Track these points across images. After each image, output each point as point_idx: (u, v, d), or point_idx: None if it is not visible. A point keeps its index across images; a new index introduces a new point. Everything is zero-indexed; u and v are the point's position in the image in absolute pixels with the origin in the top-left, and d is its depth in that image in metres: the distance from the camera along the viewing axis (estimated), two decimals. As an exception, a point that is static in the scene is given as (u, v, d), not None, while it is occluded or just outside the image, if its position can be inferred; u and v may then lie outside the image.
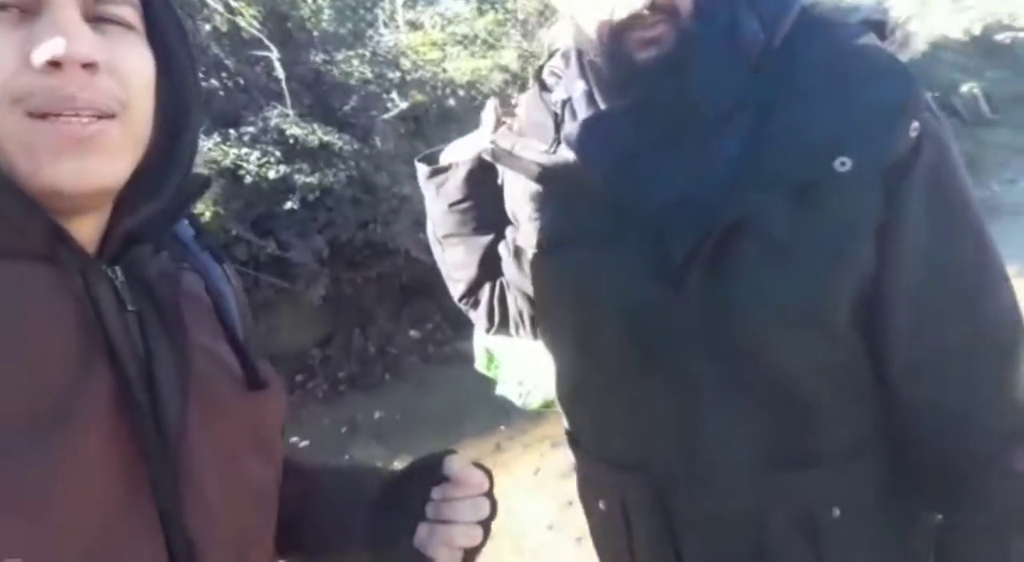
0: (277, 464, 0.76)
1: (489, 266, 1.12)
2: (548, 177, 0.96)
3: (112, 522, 0.55)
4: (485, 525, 0.74)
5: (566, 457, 1.35)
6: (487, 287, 1.16)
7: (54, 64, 0.54)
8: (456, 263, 1.16)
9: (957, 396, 0.88)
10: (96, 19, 0.58)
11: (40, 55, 0.54)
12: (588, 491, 1.10)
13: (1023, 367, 0.88)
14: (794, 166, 0.81)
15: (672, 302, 0.86)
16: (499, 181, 1.08)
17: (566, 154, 0.93)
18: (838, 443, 0.91)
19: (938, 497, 0.93)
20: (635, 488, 0.98)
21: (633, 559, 1.02)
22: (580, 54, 0.94)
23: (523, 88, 4.72)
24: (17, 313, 0.54)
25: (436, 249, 1.18)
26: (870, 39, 0.86)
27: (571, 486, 1.19)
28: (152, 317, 0.63)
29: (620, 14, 0.82)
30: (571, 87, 0.95)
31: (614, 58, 0.86)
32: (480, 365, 1.37)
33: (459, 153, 1.11)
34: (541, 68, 1.05)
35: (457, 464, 0.76)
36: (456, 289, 1.18)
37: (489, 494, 0.74)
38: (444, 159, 1.13)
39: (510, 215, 1.07)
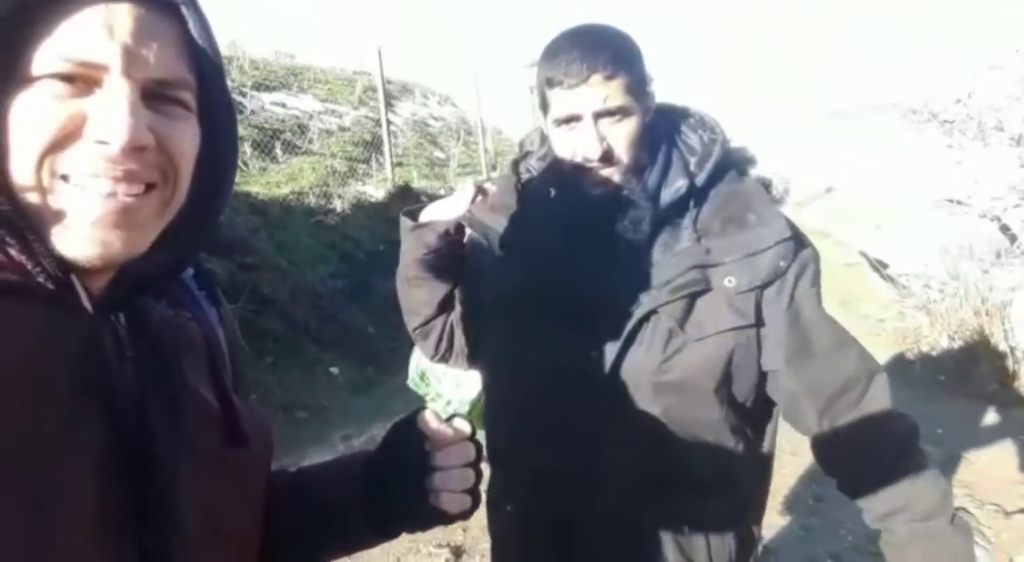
0: (258, 510, 0.78)
1: (445, 306, 1.42)
2: (512, 249, 1.29)
3: (98, 559, 0.56)
4: (475, 465, 0.80)
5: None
6: (440, 321, 1.45)
7: (103, 142, 0.56)
8: (420, 301, 1.43)
9: (856, 434, 1.22)
10: (154, 96, 0.60)
11: (95, 134, 0.56)
12: (499, 496, 1.38)
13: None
14: (695, 278, 1.16)
15: (594, 360, 1.18)
16: (465, 241, 1.37)
17: (532, 235, 1.26)
18: (701, 477, 1.22)
19: (868, 495, 1.23)
20: (543, 491, 1.27)
21: (532, 552, 1.32)
22: (554, 169, 1.25)
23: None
24: (18, 351, 0.54)
25: (403, 287, 1.45)
26: (760, 191, 1.23)
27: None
28: (149, 365, 0.64)
29: (578, 160, 1.17)
30: (545, 190, 1.26)
31: (571, 189, 1.21)
32: (412, 382, 1.70)
33: (438, 213, 1.35)
34: (517, 162, 1.38)
35: (431, 421, 0.81)
36: (414, 321, 1.47)
37: (471, 438, 0.81)
38: (424, 217, 1.37)
39: (470, 270, 1.38)
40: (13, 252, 0.56)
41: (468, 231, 1.36)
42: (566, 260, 1.21)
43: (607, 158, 1.16)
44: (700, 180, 1.21)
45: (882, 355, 5.51)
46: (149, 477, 0.60)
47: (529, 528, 1.32)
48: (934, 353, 5.25)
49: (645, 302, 1.17)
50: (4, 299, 0.55)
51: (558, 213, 1.24)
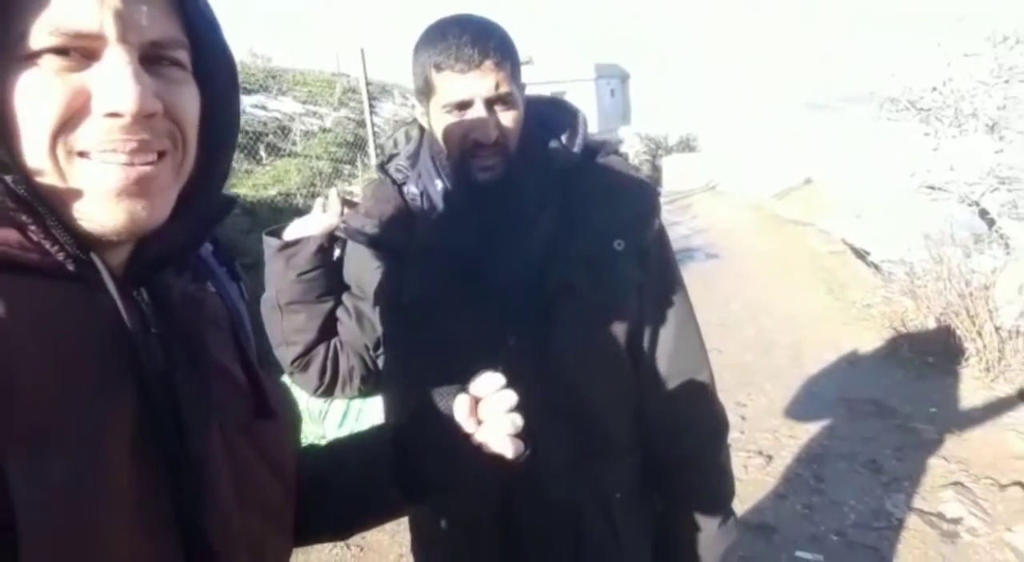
0: (289, 482, 0.79)
1: (326, 330, 1.36)
2: (402, 253, 1.25)
3: (135, 529, 0.57)
4: (517, 411, 0.80)
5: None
6: (322, 348, 1.38)
7: (114, 114, 0.56)
8: (296, 328, 1.35)
9: (683, 407, 1.31)
10: (151, 59, 0.59)
11: (103, 106, 0.55)
12: (428, 518, 1.34)
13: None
14: (590, 246, 1.20)
15: (514, 346, 1.19)
16: (336, 256, 1.34)
17: (425, 234, 1.24)
18: (619, 442, 1.29)
19: (666, 487, 1.35)
20: (480, 490, 1.19)
21: (479, 555, 1.29)
22: (435, 160, 1.25)
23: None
24: (48, 328, 0.55)
25: (274, 316, 1.36)
26: (627, 164, 1.32)
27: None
28: (175, 339, 0.65)
29: (468, 145, 1.17)
30: (429, 184, 1.26)
31: (462, 174, 1.21)
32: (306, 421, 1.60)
33: (307, 230, 1.32)
34: (384, 165, 1.35)
35: (475, 384, 0.82)
36: (291, 353, 1.38)
37: (507, 387, 0.81)
38: (290, 235, 1.33)
39: (352, 284, 1.35)
40: (32, 233, 0.56)
41: (337, 243, 1.35)
42: (469, 249, 1.21)
43: (499, 142, 1.17)
44: (575, 158, 1.26)
45: (871, 338, 5.59)
46: (180, 449, 0.61)
47: (471, 534, 1.28)
48: (922, 335, 5.33)
49: (553, 278, 1.19)
50: (28, 279, 0.56)
51: (451, 204, 1.24)
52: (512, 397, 0.81)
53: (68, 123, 0.55)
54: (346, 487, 0.87)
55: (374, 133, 7.98)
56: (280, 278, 1.32)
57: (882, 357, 5.32)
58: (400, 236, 1.26)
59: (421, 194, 1.28)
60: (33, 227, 0.56)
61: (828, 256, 9.05)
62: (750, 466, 3.78)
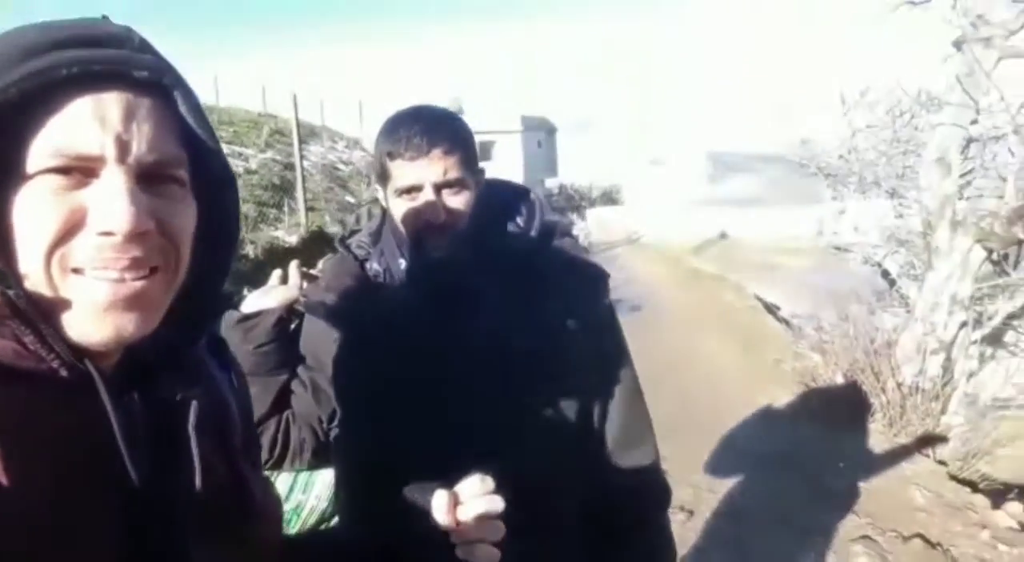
0: None
1: (280, 403, 1.36)
2: (363, 327, 1.28)
3: None
4: (501, 517, 0.79)
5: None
6: (273, 422, 1.37)
7: (107, 233, 0.57)
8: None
9: (634, 476, 1.37)
10: (149, 178, 0.60)
11: (97, 225, 0.57)
12: None
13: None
14: (547, 322, 1.26)
15: (477, 417, 1.20)
16: (291, 328, 1.35)
17: (387, 311, 1.27)
18: (559, 518, 1.30)
19: (612, 546, 1.37)
20: None
21: None
22: (396, 239, 1.30)
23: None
24: (36, 437, 0.56)
25: None
26: (579, 246, 1.41)
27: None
28: (163, 443, 0.65)
29: (419, 225, 1.22)
30: (392, 261, 1.31)
31: (415, 250, 1.26)
32: None
33: (264, 303, 1.33)
34: (344, 240, 1.38)
35: (465, 486, 0.80)
36: None
37: (494, 491, 0.80)
38: (248, 307, 1.33)
39: (309, 357, 1.36)
40: (28, 341, 0.57)
41: (294, 316, 1.37)
42: (430, 325, 1.24)
43: (447, 225, 1.23)
44: (532, 240, 1.34)
45: (784, 395, 5.84)
46: (163, 554, 0.61)
47: None
48: (830, 391, 5.60)
49: (520, 344, 1.23)
50: (23, 387, 0.57)
51: (412, 281, 1.29)
52: (498, 502, 0.79)
53: (63, 239, 0.57)
54: None
55: (303, 176, 7.94)
56: (236, 350, 1.29)
57: (795, 412, 5.55)
58: (361, 311, 1.29)
59: (384, 271, 1.32)
60: (29, 336, 0.57)
61: (742, 311, 9.42)
62: (674, 521, 3.83)
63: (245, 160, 9.88)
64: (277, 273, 1.37)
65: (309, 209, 8.35)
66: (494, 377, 1.23)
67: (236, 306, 1.32)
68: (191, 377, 0.72)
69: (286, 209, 8.39)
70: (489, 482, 0.80)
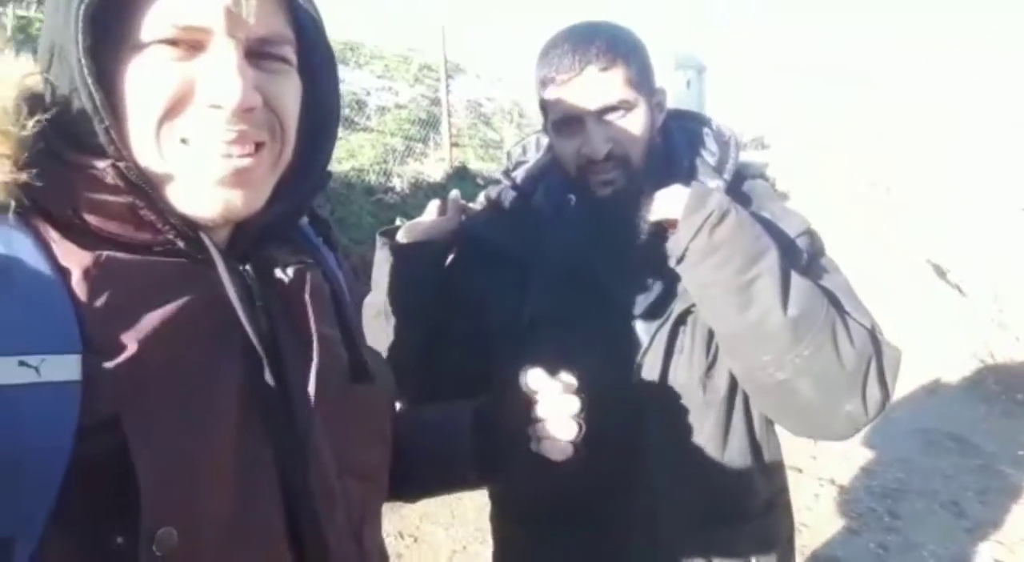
0: (386, 445, 0.82)
1: (431, 342, 1.20)
2: (525, 264, 1.17)
3: (245, 496, 0.61)
4: (577, 418, 0.83)
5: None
6: (420, 365, 1.18)
7: (216, 106, 0.58)
8: (401, 339, 1.20)
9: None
10: (256, 54, 0.62)
11: (206, 98, 0.58)
12: (514, 494, 1.23)
13: None
14: None
15: (637, 376, 1.09)
16: (446, 263, 1.24)
17: (552, 249, 1.15)
18: (757, 503, 1.17)
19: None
20: (583, 536, 1.13)
21: None
22: (564, 173, 1.15)
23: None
24: (159, 301, 0.59)
25: (378, 323, 1.19)
26: (771, 191, 1.21)
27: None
28: (279, 311, 0.68)
29: (581, 161, 1.09)
30: (559, 197, 1.19)
31: (582, 190, 1.13)
32: None
33: (424, 232, 1.21)
34: (509, 172, 1.27)
35: (532, 378, 0.85)
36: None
37: (577, 391, 0.84)
38: (407, 237, 1.21)
39: (465, 294, 1.21)
40: (144, 213, 0.59)
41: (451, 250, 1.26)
42: (594, 269, 1.13)
43: (612, 158, 1.07)
44: (724, 182, 1.14)
45: (954, 367, 5.31)
46: (284, 413, 0.65)
47: (558, 530, 1.16)
48: (1010, 369, 5.04)
49: (678, 305, 1.10)
50: (143, 255, 0.60)
51: (579, 220, 1.15)
52: (575, 404, 0.83)
53: (173, 109, 0.58)
54: (426, 448, 0.91)
55: (449, 113, 7.94)
56: (392, 281, 1.20)
57: (965, 389, 5.04)
58: (525, 247, 1.18)
59: (549, 206, 1.20)
60: (144, 209, 0.59)
61: (907, 272, 8.66)
62: (821, 495, 3.61)
63: (395, 94, 10.01)
64: (435, 203, 1.27)
65: (454, 144, 8.37)
66: (656, 330, 1.10)
67: (393, 235, 1.23)
68: (301, 250, 0.75)
69: (431, 144, 8.45)
70: (573, 381, 0.85)
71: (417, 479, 0.92)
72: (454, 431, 0.90)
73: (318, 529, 0.66)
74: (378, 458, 0.80)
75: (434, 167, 7.84)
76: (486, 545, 3.13)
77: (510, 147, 1.36)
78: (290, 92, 0.65)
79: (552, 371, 0.85)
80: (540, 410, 0.84)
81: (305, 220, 0.81)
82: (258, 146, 0.62)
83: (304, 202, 0.74)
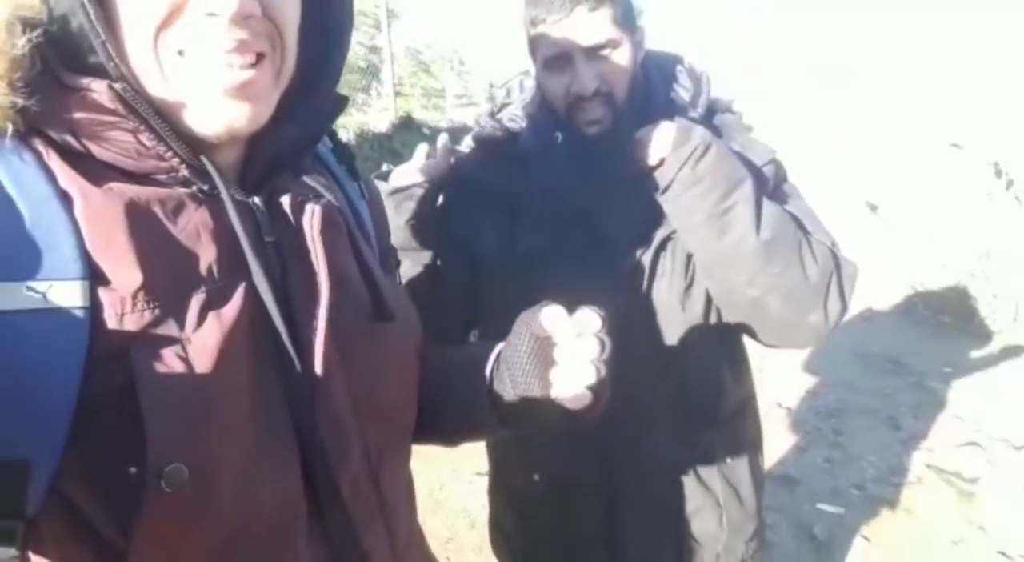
0: (410, 385, 0.78)
1: (427, 278, 1.30)
2: (514, 203, 1.24)
3: (259, 434, 0.60)
4: (597, 362, 0.71)
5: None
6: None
7: (212, 14, 0.55)
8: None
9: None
10: None
11: (203, 6, 0.55)
12: (519, 471, 1.35)
13: None
14: None
15: (622, 299, 1.14)
16: (437, 204, 1.29)
17: (539, 186, 1.22)
18: (729, 407, 1.30)
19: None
20: (581, 451, 1.24)
21: (569, 522, 1.30)
22: (552, 112, 1.22)
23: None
24: (164, 231, 0.58)
25: None
26: (740, 123, 1.29)
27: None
28: (289, 247, 0.66)
29: (570, 99, 1.16)
30: (546, 135, 1.24)
31: (568, 128, 1.20)
32: None
33: (414, 175, 1.26)
34: (494, 114, 1.33)
35: (547, 318, 0.72)
36: None
37: (598, 333, 0.71)
38: (399, 180, 1.26)
39: (455, 231, 1.29)
40: (144, 138, 0.57)
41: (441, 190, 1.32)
42: (581, 203, 1.21)
43: (599, 94, 1.14)
44: (697, 115, 1.22)
45: (887, 294, 5.62)
46: (293, 349, 0.63)
47: (566, 497, 1.29)
48: (937, 294, 5.37)
49: (659, 232, 1.19)
50: (145, 184, 0.58)
51: (566, 157, 1.23)
52: (595, 348, 0.71)
53: (169, 19, 0.55)
54: (451, 394, 0.84)
55: (392, 61, 7.80)
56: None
57: (896, 316, 5.36)
58: (513, 185, 1.25)
59: (536, 145, 1.27)
60: (144, 132, 0.57)
61: (845, 211, 9.00)
62: (771, 416, 3.85)
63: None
64: (423, 147, 1.32)
65: (397, 94, 8.25)
66: (639, 258, 1.20)
67: (385, 179, 1.29)
68: (318, 182, 0.72)
69: (374, 94, 8.31)
70: (597, 320, 0.71)
71: (448, 424, 0.88)
72: (476, 378, 0.82)
73: (327, 468, 0.65)
74: (401, 398, 0.77)
75: (378, 117, 7.73)
76: (460, 484, 3.25)
77: (493, 89, 1.40)
78: (289, 2, 0.62)
79: (570, 308, 0.73)
80: (556, 354, 0.73)
81: (329, 147, 0.79)
82: (259, 57, 0.59)
83: (318, 128, 0.71)
